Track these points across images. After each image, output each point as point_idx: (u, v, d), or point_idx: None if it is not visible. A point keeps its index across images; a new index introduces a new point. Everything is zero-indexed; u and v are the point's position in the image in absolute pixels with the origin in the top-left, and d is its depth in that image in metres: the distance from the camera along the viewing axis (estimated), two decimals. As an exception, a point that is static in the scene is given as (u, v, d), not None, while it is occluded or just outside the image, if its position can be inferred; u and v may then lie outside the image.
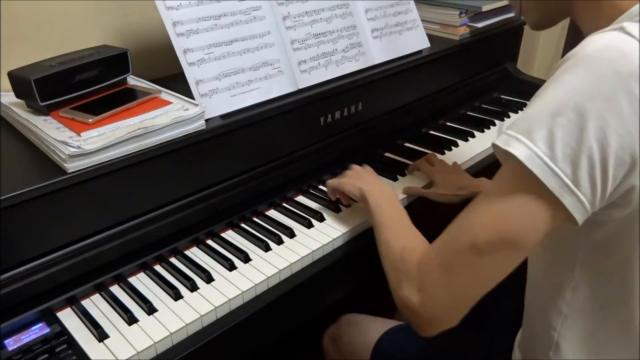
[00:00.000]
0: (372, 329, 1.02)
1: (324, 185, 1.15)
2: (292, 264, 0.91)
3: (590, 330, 0.70)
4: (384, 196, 0.91)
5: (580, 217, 0.57)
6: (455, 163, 1.19)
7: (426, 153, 1.26)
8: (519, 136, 0.57)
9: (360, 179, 0.99)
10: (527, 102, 1.59)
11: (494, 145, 0.61)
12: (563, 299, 0.70)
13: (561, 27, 2.21)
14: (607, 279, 0.66)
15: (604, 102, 0.53)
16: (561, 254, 0.67)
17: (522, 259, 0.61)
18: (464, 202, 1.10)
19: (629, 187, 0.57)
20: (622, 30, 0.55)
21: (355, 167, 1.05)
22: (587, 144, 0.54)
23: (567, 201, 0.56)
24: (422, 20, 1.34)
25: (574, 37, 2.28)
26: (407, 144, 1.33)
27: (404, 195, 1.10)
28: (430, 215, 1.17)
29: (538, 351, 0.76)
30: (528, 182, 0.56)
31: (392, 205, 0.88)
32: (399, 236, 0.76)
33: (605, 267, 0.65)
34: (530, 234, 0.59)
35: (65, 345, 0.75)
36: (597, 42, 0.55)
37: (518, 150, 0.56)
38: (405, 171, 1.19)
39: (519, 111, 1.51)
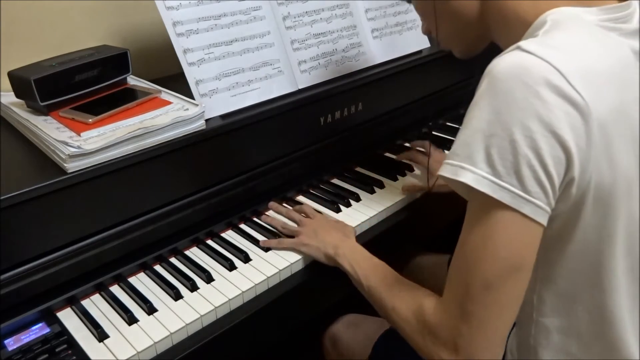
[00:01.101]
0: (371, 329, 1.02)
1: (324, 185, 1.15)
2: (292, 264, 0.91)
3: (563, 332, 0.71)
4: (355, 253, 0.87)
5: (542, 220, 0.60)
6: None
7: (426, 153, 1.26)
8: (463, 164, 0.61)
9: (316, 236, 0.93)
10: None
11: (442, 177, 0.64)
12: (532, 307, 0.71)
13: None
14: (566, 275, 0.68)
15: (522, 112, 0.57)
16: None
17: (530, 275, 0.63)
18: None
19: (569, 179, 0.60)
20: (519, 48, 0.60)
21: (301, 219, 0.99)
22: (521, 153, 0.58)
23: (526, 210, 0.59)
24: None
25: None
26: (407, 144, 1.33)
27: (403, 196, 1.10)
28: (429, 214, 1.18)
29: (522, 356, 0.76)
30: (489, 204, 0.60)
31: (368, 260, 0.85)
32: (401, 297, 0.74)
33: (562, 262, 0.67)
34: (525, 251, 0.62)
35: (65, 345, 0.75)
36: (502, 64, 0.60)
37: (467, 177, 0.60)
38: (405, 171, 1.19)
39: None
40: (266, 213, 1.06)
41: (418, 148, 1.26)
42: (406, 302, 0.72)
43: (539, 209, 0.59)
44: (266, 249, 0.95)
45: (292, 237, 0.96)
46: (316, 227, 0.95)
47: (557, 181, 0.59)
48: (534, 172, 0.58)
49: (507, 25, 0.72)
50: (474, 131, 0.61)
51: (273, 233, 0.98)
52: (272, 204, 1.06)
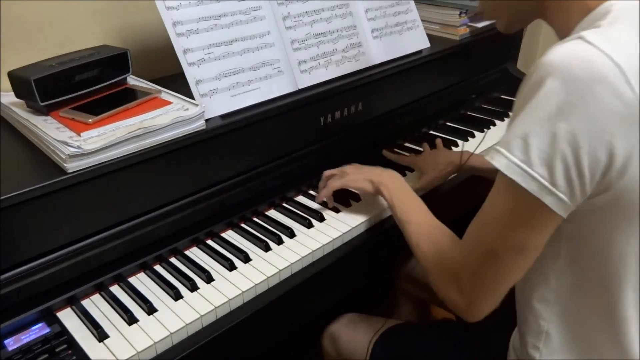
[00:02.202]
0: (371, 328, 1.02)
1: (324, 185, 1.15)
2: (292, 264, 0.91)
3: (576, 316, 0.72)
4: (396, 185, 0.95)
5: (563, 213, 0.62)
6: (437, 141, 1.26)
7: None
8: (499, 148, 0.64)
9: (364, 172, 1.00)
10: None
11: (486, 159, 0.67)
12: (549, 288, 0.73)
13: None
14: (588, 265, 0.69)
15: (571, 107, 0.57)
16: (546, 245, 0.68)
17: (537, 255, 0.67)
18: (463, 184, 1.11)
19: (608, 179, 0.60)
20: (582, 39, 0.59)
21: (348, 166, 1.05)
22: (559, 148, 0.58)
23: (548, 200, 0.61)
24: (422, 20, 1.34)
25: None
26: (407, 144, 1.33)
27: None
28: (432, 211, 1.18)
29: (530, 345, 0.77)
30: (514, 188, 0.62)
31: (406, 194, 0.93)
32: (427, 235, 0.83)
33: (586, 253, 0.68)
34: (534, 236, 0.65)
35: (65, 345, 0.75)
36: (559, 52, 0.59)
37: (499, 162, 0.63)
38: (405, 171, 1.19)
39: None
40: (266, 213, 1.06)
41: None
42: (430, 240, 0.81)
43: (561, 202, 0.61)
44: (266, 249, 0.95)
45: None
46: (359, 166, 1.04)
47: (588, 182, 0.60)
48: (566, 168, 0.59)
49: (565, 7, 0.69)
50: (518, 119, 0.62)
51: (273, 234, 0.98)
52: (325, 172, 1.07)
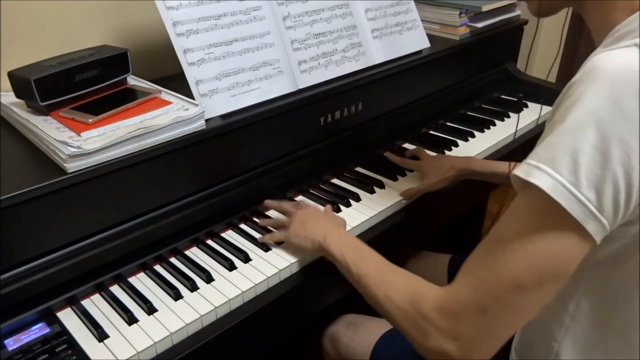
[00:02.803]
0: (371, 329, 1.01)
1: (324, 185, 1.15)
2: (292, 264, 0.91)
3: (592, 342, 0.70)
4: (344, 240, 0.84)
5: (600, 239, 0.57)
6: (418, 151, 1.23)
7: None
8: (541, 165, 0.56)
9: (304, 226, 0.91)
10: (527, 103, 1.60)
11: (514, 176, 0.59)
12: (567, 312, 0.69)
13: (561, 28, 2.20)
14: (611, 293, 0.66)
15: (627, 125, 0.52)
16: None
17: (561, 286, 0.60)
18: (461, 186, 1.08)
19: None
20: (638, 47, 0.54)
21: (291, 210, 0.98)
22: (611, 169, 0.53)
23: (591, 227, 0.55)
24: (422, 20, 1.34)
25: (574, 37, 2.28)
26: (407, 144, 1.33)
27: (401, 198, 1.10)
28: (429, 214, 1.18)
29: (537, 357, 0.76)
30: (552, 211, 0.55)
31: (359, 248, 0.82)
32: (394, 283, 0.70)
33: (610, 280, 0.65)
34: (569, 263, 0.58)
35: (65, 345, 0.75)
36: (614, 62, 0.54)
37: (542, 180, 0.55)
38: (405, 171, 1.19)
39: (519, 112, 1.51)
40: (266, 212, 1.06)
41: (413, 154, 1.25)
42: (400, 290, 0.68)
43: (602, 228, 0.55)
44: (266, 249, 0.95)
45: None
46: (304, 218, 0.93)
47: (632, 206, 0.55)
48: (616, 192, 0.54)
49: (609, 4, 0.64)
50: (565, 132, 0.55)
51: (270, 231, 0.98)
52: (266, 202, 1.05)
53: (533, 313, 0.61)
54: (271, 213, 1.06)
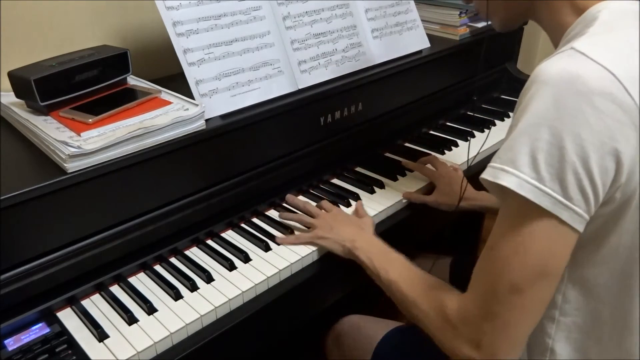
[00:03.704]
0: (374, 330, 1.02)
1: (324, 185, 1.15)
2: (292, 264, 0.91)
3: (584, 334, 0.71)
4: (373, 246, 0.87)
5: (580, 227, 0.60)
6: (458, 169, 1.18)
7: (426, 153, 1.26)
8: (504, 167, 0.60)
9: (331, 229, 0.93)
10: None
11: (482, 180, 0.63)
12: (555, 305, 0.70)
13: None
14: (596, 277, 0.67)
15: (573, 119, 0.57)
16: None
17: (558, 281, 0.64)
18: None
19: (616, 187, 0.60)
20: (574, 49, 0.59)
21: (318, 212, 0.99)
22: (568, 160, 0.57)
23: (565, 216, 0.59)
24: (422, 20, 1.34)
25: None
26: (407, 144, 1.33)
27: (401, 199, 1.09)
28: (429, 215, 1.18)
29: (533, 355, 0.76)
30: (527, 208, 0.59)
31: (386, 254, 0.85)
32: (420, 290, 0.75)
33: (591, 264, 0.67)
34: (557, 257, 0.62)
35: (65, 345, 0.75)
36: (554, 68, 0.59)
37: (507, 180, 0.60)
38: (405, 171, 1.19)
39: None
40: (265, 212, 1.06)
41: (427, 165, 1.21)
42: (427, 298, 0.72)
43: (578, 215, 0.59)
44: (266, 249, 0.95)
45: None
46: (332, 221, 0.95)
47: (600, 190, 0.59)
48: (579, 180, 0.58)
49: (555, 8, 0.70)
50: (520, 135, 0.60)
51: (272, 233, 0.98)
52: (289, 196, 1.06)
53: (541, 307, 0.64)
54: (271, 213, 1.06)
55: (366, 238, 0.90)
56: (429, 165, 1.18)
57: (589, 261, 0.67)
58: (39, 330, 0.77)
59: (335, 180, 1.17)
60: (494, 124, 1.44)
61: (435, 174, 1.14)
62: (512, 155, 0.60)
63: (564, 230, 0.60)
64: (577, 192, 0.58)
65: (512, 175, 0.59)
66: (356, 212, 1.02)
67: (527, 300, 0.62)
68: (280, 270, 0.90)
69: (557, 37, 0.70)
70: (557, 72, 0.58)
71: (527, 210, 0.60)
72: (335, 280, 1.01)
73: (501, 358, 0.64)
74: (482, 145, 1.13)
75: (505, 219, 0.63)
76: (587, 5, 0.66)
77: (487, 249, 0.65)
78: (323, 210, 1.00)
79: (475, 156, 1.15)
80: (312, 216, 0.99)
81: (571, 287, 0.69)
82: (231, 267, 0.90)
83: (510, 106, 1.53)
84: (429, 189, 1.14)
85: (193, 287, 0.86)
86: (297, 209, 1.04)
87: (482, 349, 0.64)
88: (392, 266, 0.81)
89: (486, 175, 0.63)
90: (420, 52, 1.32)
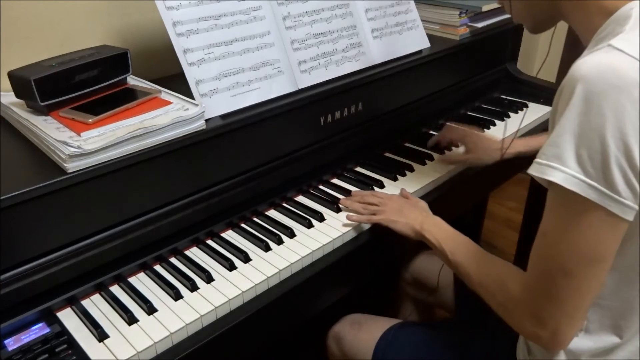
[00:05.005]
0: (375, 328, 1.02)
1: (324, 185, 1.15)
2: (292, 264, 0.91)
3: (618, 312, 0.73)
4: (441, 229, 0.92)
5: (630, 217, 0.62)
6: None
7: (426, 153, 1.26)
8: (550, 163, 0.63)
9: (404, 213, 0.98)
10: (527, 102, 1.59)
11: (531, 175, 0.66)
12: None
13: (561, 28, 2.21)
14: (630, 263, 0.69)
15: (614, 115, 0.58)
16: None
17: (610, 265, 0.66)
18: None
19: None
20: (611, 46, 0.61)
21: (380, 200, 1.02)
22: (612, 155, 0.59)
23: (614, 208, 0.61)
24: (422, 20, 1.34)
25: (575, 38, 2.28)
26: (407, 144, 1.33)
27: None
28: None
29: (536, 357, 0.76)
30: (574, 201, 0.62)
31: (454, 236, 0.89)
32: (487, 272, 0.79)
33: (628, 250, 0.68)
34: (607, 244, 0.64)
35: (65, 345, 0.75)
36: (590, 64, 0.61)
37: (555, 176, 0.62)
38: (405, 171, 1.19)
39: (519, 111, 1.51)
40: (265, 212, 1.06)
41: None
42: (491, 278, 0.78)
43: (626, 207, 0.61)
44: (266, 249, 0.95)
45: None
46: (399, 206, 1.00)
47: None
48: (624, 173, 0.60)
49: (584, 10, 0.72)
50: (564, 131, 0.62)
51: (273, 234, 0.98)
52: (354, 194, 1.08)
53: (594, 287, 0.67)
54: (271, 213, 1.06)
55: (433, 221, 0.95)
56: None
57: (625, 249, 0.68)
58: (39, 330, 0.77)
59: (335, 180, 1.17)
60: (494, 124, 1.44)
61: (464, 137, 1.21)
62: (557, 152, 0.62)
63: (612, 220, 0.62)
64: (624, 184, 0.60)
65: (558, 170, 0.62)
66: (408, 197, 1.05)
67: (580, 282, 0.65)
68: (280, 270, 0.90)
69: (588, 37, 0.71)
70: (595, 67, 0.60)
71: (575, 203, 0.62)
72: (336, 280, 1.01)
73: (563, 331, 0.68)
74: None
75: (554, 207, 0.66)
76: (618, 5, 0.67)
77: (540, 235, 0.68)
78: (386, 197, 1.04)
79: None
80: (375, 203, 1.02)
81: (608, 273, 0.70)
82: (231, 267, 0.90)
83: (511, 106, 1.54)
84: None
85: (193, 287, 0.86)
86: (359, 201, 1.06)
87: (545, 324, 0.68)
88: (458, 249, 0.86)
89: (532, 171, 0.65)
90: (420, 52, 1.32)
